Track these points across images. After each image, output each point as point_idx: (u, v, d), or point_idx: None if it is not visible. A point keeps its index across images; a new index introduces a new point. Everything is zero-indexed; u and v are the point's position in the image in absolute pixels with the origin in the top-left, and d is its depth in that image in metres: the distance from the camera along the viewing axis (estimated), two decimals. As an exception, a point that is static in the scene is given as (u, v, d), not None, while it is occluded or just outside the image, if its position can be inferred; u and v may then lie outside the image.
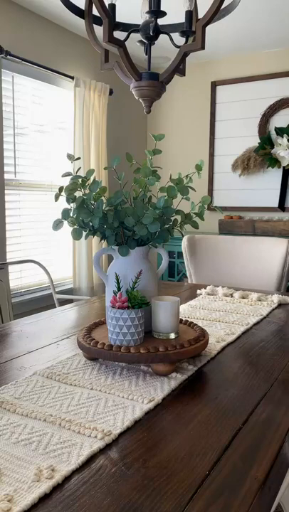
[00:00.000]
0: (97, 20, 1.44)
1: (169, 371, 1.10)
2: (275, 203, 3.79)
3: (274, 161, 3.69)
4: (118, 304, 1.13)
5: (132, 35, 1.43)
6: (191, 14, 1.40)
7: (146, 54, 1.46)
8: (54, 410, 0.92)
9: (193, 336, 1.20)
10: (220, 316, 1.66)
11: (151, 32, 1.38)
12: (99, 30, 1.35)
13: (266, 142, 3.74)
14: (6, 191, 2.95)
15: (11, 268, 2.86)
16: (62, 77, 3.28)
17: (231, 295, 1.97)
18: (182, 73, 1.49)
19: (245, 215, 3.94)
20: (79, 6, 1.47)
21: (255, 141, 3.84)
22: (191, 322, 1.31)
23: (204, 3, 1.49)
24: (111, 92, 3.62)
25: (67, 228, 1.09)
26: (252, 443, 0.82)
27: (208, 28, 1.26)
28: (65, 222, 1.23)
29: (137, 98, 1.42)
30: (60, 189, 1.21)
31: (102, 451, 0.79)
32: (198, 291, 2.06)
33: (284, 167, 3.69)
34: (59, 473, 0.71)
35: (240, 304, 1.84)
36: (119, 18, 1.39)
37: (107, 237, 1.22)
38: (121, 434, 0.84)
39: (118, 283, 1.18)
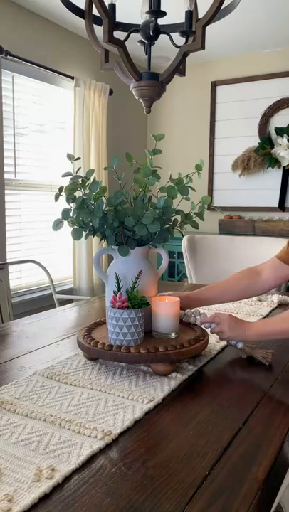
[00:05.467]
0: (97, 20, 1.44)
1: (169, 371, 1.10)
2: (275, 203, 3.79)
3: (274, 161, 3.69)
4: (118, 304, 1.13)
5: (132, 35, 1.43)
6: (191, 14, 1.40)
7: (146, 54, 1.45)
8: (54, 410, 0.92)
9: (193, 336, 1.20)
10: (220, 316, 1.65)
11: (151, 32, 1.38)
12: (99, 30, 1.35)
13: (266, 142, 3.74)
14: (6, 191, 2.95)
15: (11, 268, 2.85)
16: (62, 77, 3.27)
17: (231, 295, 1.97)
18: (182, 73, 1.48)
19: (245, 215, 3.94)
20: (79, 6, 1.46)
21: (255, 141, 3.84)
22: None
23: (204, 3, 1.49)
24: (111, 92, 3.62)
25: (67, 228, 1.08)
26: (252, 443, 0.82)
27: (208, 28, 1.25)
28: (65, 222, 1.22)
29: (137, 98, 1.42)
30: (60, 189, 1.21)
31: (102, 451, 0.79)
32: (198, 291, 2.05)
33: (284, 167, 3.69)
34: (59, 473, 0.71)
35: (240, 304, 1.84)
36: (119, 18, 1.39)
37: (107, 237, 1.22)
38: (121, 434, 0.84)
39: (118, 283, 1.18)
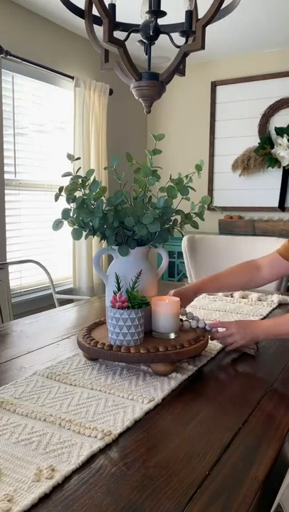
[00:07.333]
0: (97, 20, 1.44)
1: (169, 371, 1.10)
2: (275, 203, 3.79)
3: (274, 161, 3.69)
4: (118, 304, 1.13)
5: (132, 35, 1.43)
6: (191, 14, 1.39)
7: (146, 54, 1.45)
8: (54, 410, 0.92)
9: (193, 336, 1.20)
10: (220, 316, 1.65)
11: (151, 32, 1.38)
12: (99, 30, 1.35)
13: (266, 142, 3.73)
14: (6, 191, 2.95)
15: (11, 268, 2.85)
16: (62, 77, 3.27)
17: (231, 295, 1.97)
18: (182, 73, 1.48)
19: (245, 215, 3.94)
20: (79, 6, 1.46)
21: (255, 141, 3.84)
22: (191, 322, 1.31)
23: (204, 3, 1.49)
24: (111, 92, 3.62)
25: (67, 228, 1.08)
26: (252, 443, 0.82)
27: (208, 28, 1.25)
28: (65, 222, 1.22)
29: (137, 98, 1.42)
30: (60, 189, 1.21)
31: (102, 451, 0.79)
32: (198, 291, 2.05)
33: (284, 167, 3.69)
34: (59, 473, 0.71)
35: (240, 304, 1.84)
36: (119, 18, 1.39)
37: (107, 237, 1.22)
38: (121, 434, 0.84)
39: (118, 283, 1.18)
